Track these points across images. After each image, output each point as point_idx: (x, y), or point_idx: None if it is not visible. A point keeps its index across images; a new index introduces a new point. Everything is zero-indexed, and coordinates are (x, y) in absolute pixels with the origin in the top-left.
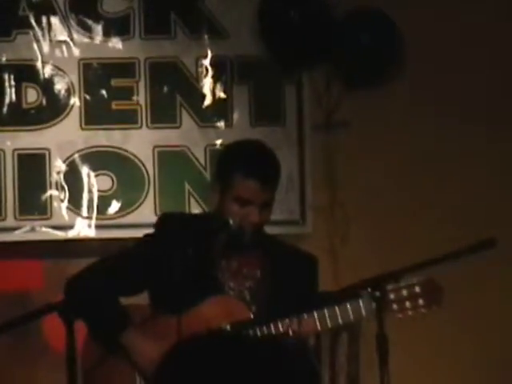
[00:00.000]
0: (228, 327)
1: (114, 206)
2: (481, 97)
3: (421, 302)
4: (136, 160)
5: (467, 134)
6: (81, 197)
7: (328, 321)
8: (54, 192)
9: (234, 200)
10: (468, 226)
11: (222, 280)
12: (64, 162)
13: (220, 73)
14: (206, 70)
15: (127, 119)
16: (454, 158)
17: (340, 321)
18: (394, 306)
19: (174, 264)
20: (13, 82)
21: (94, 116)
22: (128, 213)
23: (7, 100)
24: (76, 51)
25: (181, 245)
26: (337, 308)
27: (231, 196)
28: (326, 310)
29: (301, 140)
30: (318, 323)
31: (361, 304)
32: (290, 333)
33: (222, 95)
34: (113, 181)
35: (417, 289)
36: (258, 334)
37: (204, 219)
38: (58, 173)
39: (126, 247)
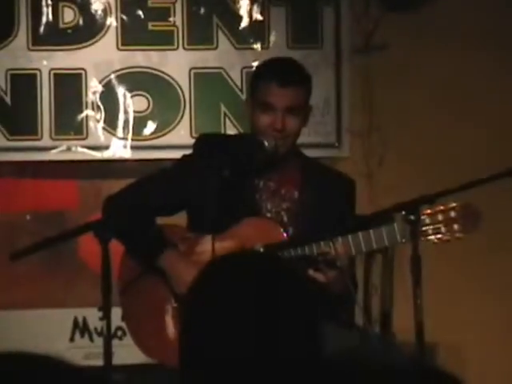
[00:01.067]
0: (261, 248)
1: (150, 127)
2: None
3: (456, 226)
4: (172, 81)
5: (507, 59)
6: (117, 117)
7: (362, 245)
8: (89, 112)
9: (259, 108)
10: (508, 149)
11: (260, 201)
12: (100, 82)
13: None
14: None
15: (164, 40)
16: (494, 80)
17: (374, 245)
18: (429, 231)
19: (211, 185)
20: (50, 2)
21: (131, 36)
22: (163, 134)
23: (44, 19)
24: None
25: (218, 166)
26: (371, 232)
27: (257, 105)
28: (360, 234)
29: (338, 62)
30: (352, 247)
31: (395, 228)
32: (326, 256)
33: (259, 17)
34: (149, 101)
35: (452, 213)
36: (293, 255)
37: (241, 140)
38: (94, 93)
39: (163, 167)
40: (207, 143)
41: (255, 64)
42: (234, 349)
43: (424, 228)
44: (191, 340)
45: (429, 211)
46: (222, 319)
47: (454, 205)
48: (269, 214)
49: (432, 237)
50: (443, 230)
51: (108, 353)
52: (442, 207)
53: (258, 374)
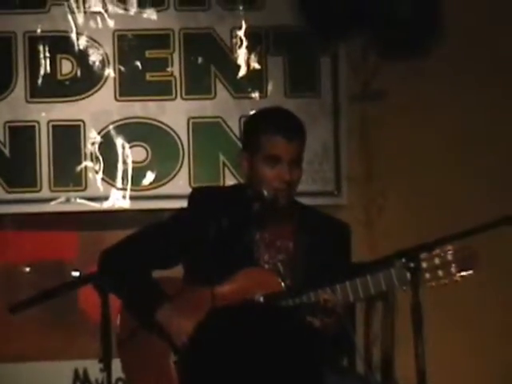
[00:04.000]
0: (261, 298)
1: (149, 177)
2: None
3: (453, 269)
4: (171, 131)
5: (510, 105)
6: (115, 168)
7: (360, 291)
8: (88, 163)
9: (264, 161)
10: (508, 198)
11: (257, 253)
12: (99, 133)
13: (255, 44)
14: (241, 40)
15: (162, 90)
16: (495, 128)
17: (372, 290)
18: (427, 275)
19: (209, 236)
20: (48, 54)
21: (129, 87)
22: (162, 184)
23: (42, 72)
24: (111, 22)
25: (215, 217)
26: (369, 277)
27: (261, 158)
28: (358, 280)
29: (336, 111)
30: (350, 293)
31: (393, 273)
32: (324, 303)
33: (257, 66)
34: (147, 152)
35: (449, 256)
36: (291, 304)
37: (237, 191)
38: (93, 144)
39: (160, 220)
40: (202, 195)
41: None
42: None
43: (422, 273)
44: None
45: (425, 256)
46: (223, 370)
47: (449, 247)
48: (266, 265)
49: (431, 282)
50: (441, 273)
51: None
52: (438, 251)
53: None
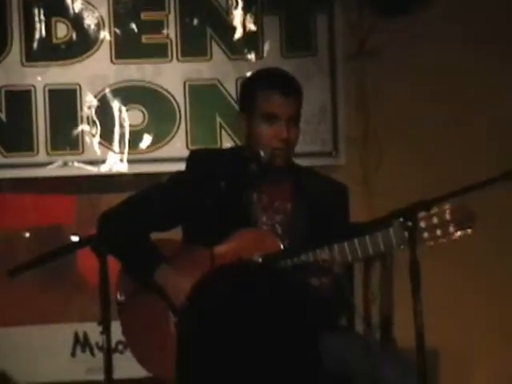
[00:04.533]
0: (259, 259)
1: (146, 141)
2: None
3: (451, 228)
4: (167, 94)
5: (500, 66)
6: (112, 131)
7: (359, 251)
8: (85, 127)
9: (261, 119)
10: (505, 152)
11: (255, 214)
12: (95, 96)
13: (250, 4)
14: (236, 1)
15: (157, 53)
16: (486, 84)
17: (370, 251)
18: (425, 234)
19: (207, 198)
20: (42, 17)
21: (125, 50)
22: (160, 147)
23: (37, 35)
24: None
25: (213, 179)
26: (367, 238)
27: (258, 116)
28: (356, 240)
29: (333, 70)
30: (348, 253)
31: (391, 233)
32: (322, 263)
33: (253, 27)
34: (144, 115)
35: (447, 215)
36: (289, 264)
37: (234, 153)
38: (90, 107)
39: (158, 183)
40: (200, 158)
41: (250, 73)
42: (233, 361)
43: (420, 232)
44: (189, 352)
45: (423, 215)
46: (221, 330)
47: (447, 206)
48: (264, 227)
49: (429, 241)
50: (439, 232)
51: (109, 367)
52: (436, 210)
53: None
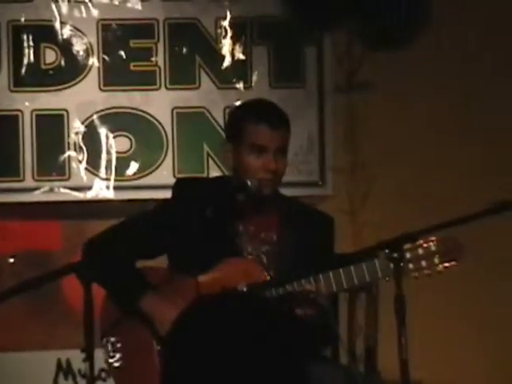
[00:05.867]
0: (245, 288)
1: (133, 167)
2: (509, 56)
3: (436, 260)
4: (155, 121)
5: (493, 94)
6: (99, 158)
7: (344, 281)
8: (72, 153)
9: (249, 150)
10: (491, 187)
11: (240, 244)
12: (82, 122)
13: (239, 34)
14: (225, 30)
15: (146, 80)
16: (478, 118)
17: (356, 281)
18: (410, 266)
19: (193, 227)
20: (31, 43)
21: (113, 77)
22: (146, 174)
23: (26, 61)
24: (95, 12)
25: (199, 208)
26: (352, 268)
27: (246, 147)
28: (341, 271)
29: (321, 101)
30: (333, 283)
31: (376, 264)
32: (306, 293)
33: (242, 56)
34: (131, 142)
35: (432, 247)
36: (274, 294)
37: (221, 182)
38: (77, 134)
39: (144, 210)
40: (186, 186)
41: (238, 103)
42: None
43: (405, 264)
44: (172, 381)
45: (409, 246)
46: (204, 357)
47: (433, 238)
48: (250, 257)
49: (414, 272)
50: (424, 263)
51: None
52: (421, 241)
53: None
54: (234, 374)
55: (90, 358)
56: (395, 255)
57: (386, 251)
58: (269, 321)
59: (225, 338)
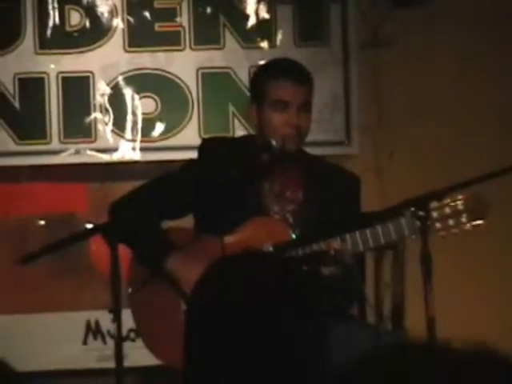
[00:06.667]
0: (270, 248)
1: (159, 129)
2: None
3: (464, 218)
4: (180, 82)
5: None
6: (125, 119)
7: (370, 240)
8: (98, 115)
9: (272, 107)
10: None
11: (266, 204)
12: (108, 84)
13: None
14: None
15: (170, 41)
16: (505, 71)
17: (382, 240)
18: (437, 225)
19: (219, 186)
20: (56, 5)
21: (138, 38)
22: (172, 135)
23: (51, 23)
24: None
25: (225, 167)
26: (379, 227)
27: (268, 105)
28: (368, 230)
29: (346, 59)
30: (360, 243)
31: (403, 223)
32: (333, 252)
33: (266, 15)
34: (157, 103)
35: (459, 205)
36: (300, 254)
37: (247, 142)
38: (102, 95)
39: (170, 171)
40: (212, 146)
41: (263, 62)
42: (237, 350)
43: (432, 222)
44: (194, 340)
45: (436, 205)
46: (225, 319)
47: (460, 197)
48: (276, 216)
49: (441, 231)
50: (451, 222)
51: (119, 355)
52: (448, 200)
53: (262, 377)
54: (257, 336)
55: (117, 319)
56: (421, 213)
57: (412, 209)
58: (294, 280)
59: (245, 297)
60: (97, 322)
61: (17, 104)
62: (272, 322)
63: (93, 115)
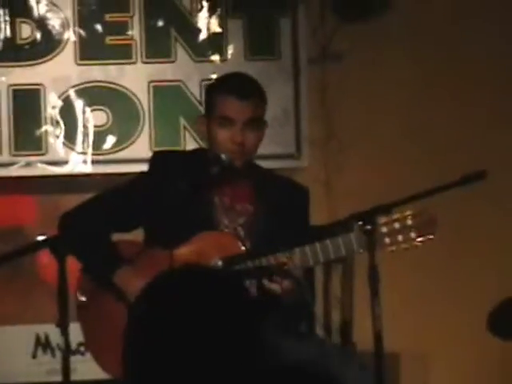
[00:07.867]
0: (219, 261)
1: (109, 141)
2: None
3: (413, 234)
4: (131, 95)
5: (464, 66)
6: (76, 132)
7: (320, 255)
8: (49, 127)
9: (218, 123)
10: (462, 157)
11: (216, 217)
12: (59, 97)
13: (214, 6)
14: (201, 3)
15: (122, 54)
16: (451, 86)
17: (332, 255)
18: (387, 240)
19: (169, 199)
20: (7, 18)
21: (89, 51)
22: (123, 148)
23: (1, 36)
24: None
25: (175, 181)
26: (329, 242)
27: (216, 120)
28: (318, 245)
29: (296, 73)
30: (310, 257)
31: (352, 237)
32: (282, 266)
33: (217, 29)
34: (108, 116)
35: (409, 221)
36: (249, 267)
37: (197, 155)
38: (54, 108)
39: (120, 184)
40: (163, 159)
41: (214, 76)
42: (174, 360)
43: (381, 237)
44: (134, 352)
45: (385, 220)
46: (163, 331)
47: (409, 212)
48: (226, 230)
49: (390, 246)
50: (400, 238)
51: (66, 369)
52: (397, 215)
53: None
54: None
55: (64, 333)
56: (368, 227)
57: (360, 223)
58: (239, 295)
59: (191, 312)
60: (46, 336)
61: None
62: (221, 337)
63: (44, 128)
